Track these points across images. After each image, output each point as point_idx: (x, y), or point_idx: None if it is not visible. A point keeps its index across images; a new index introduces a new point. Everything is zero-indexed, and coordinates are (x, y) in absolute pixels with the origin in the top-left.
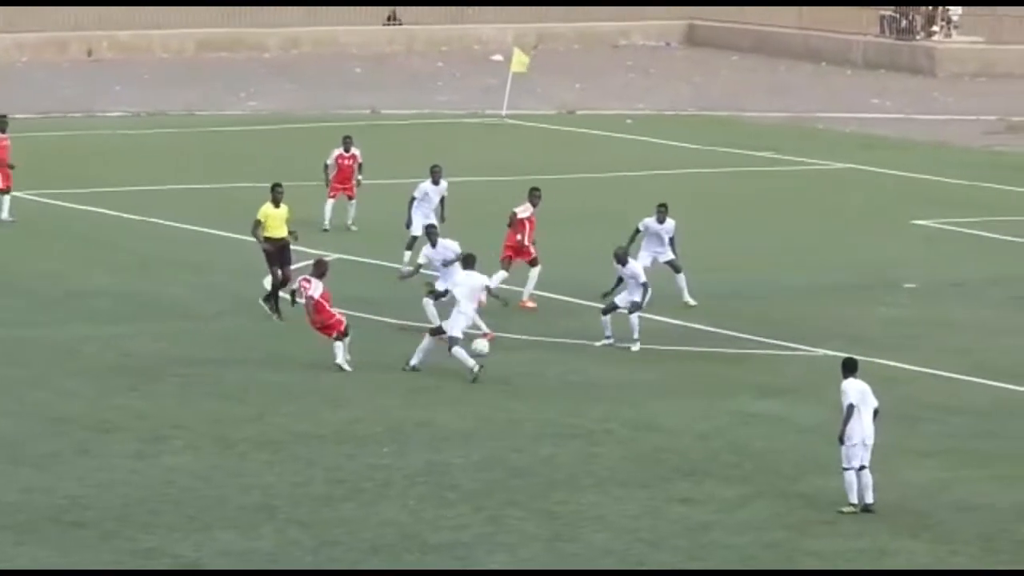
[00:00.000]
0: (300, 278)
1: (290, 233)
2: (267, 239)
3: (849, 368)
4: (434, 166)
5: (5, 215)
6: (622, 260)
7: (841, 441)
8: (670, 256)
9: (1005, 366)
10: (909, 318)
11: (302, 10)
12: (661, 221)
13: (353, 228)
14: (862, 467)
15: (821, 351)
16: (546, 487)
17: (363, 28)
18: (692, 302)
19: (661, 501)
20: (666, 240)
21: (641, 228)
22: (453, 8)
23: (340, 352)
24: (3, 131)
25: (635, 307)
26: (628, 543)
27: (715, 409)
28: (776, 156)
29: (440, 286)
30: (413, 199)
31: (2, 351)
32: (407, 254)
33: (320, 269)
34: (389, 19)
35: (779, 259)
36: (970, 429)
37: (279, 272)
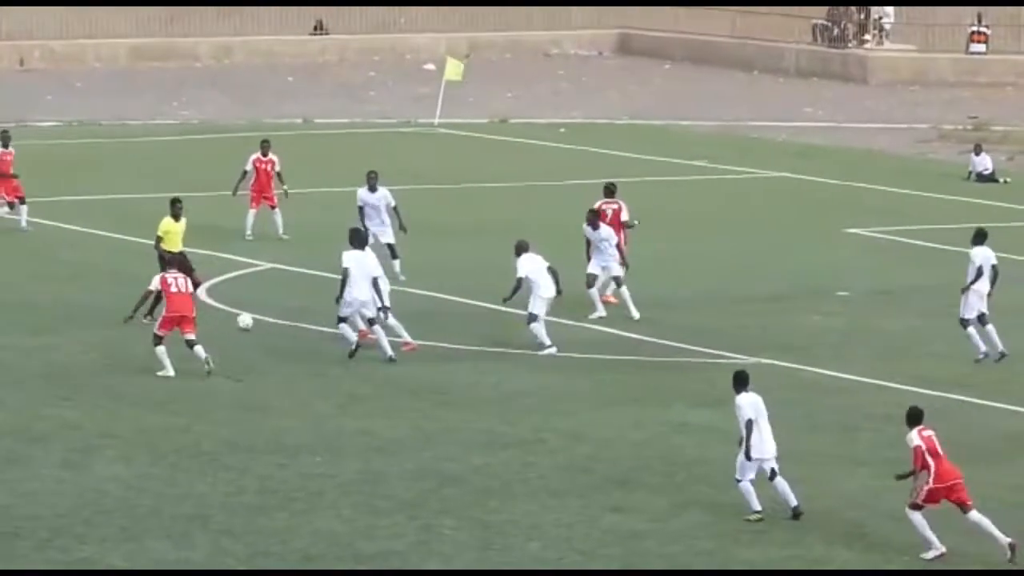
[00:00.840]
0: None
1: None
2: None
3: (741, 382)
4: (369, 172)
5: (24, 224)
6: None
7: (748, 457)
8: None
9: (939, 374)
10: (842, 326)
11: (234, 20)
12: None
13: (285, 237)
14: (773, 475)
15: (754, 360)
16: (479, 496)
17: (295, 38)
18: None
19: (595, 510)
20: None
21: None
22: (385, 17)
23: (202, 352)
24: (6, 145)
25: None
26: (562, 551)
27: (648, 418)
28: (709, 165)
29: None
30: (360, 208)
31: None
32: None
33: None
34: (316, 29)
35: (712, 268)
36: (903, 437)
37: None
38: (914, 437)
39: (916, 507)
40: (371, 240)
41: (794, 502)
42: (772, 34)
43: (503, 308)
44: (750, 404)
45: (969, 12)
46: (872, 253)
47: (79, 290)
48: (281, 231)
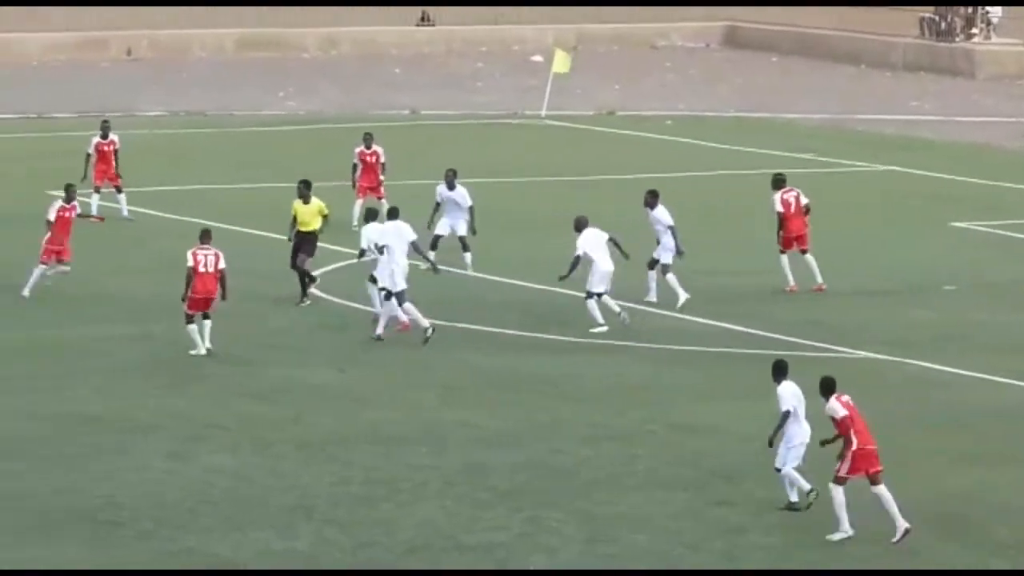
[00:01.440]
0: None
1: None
2: (297, 232)
3: (781, 371)
4: (448, 171)
5: (126, 212)
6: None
7: (770, 444)
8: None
9: None
10: (948, 321)
11: (340, 10)
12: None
13: None
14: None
15: (861, 353)
16: (586, 488)
17: (401, 29)
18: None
19: (700, 503)
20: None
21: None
22: (492, 9)
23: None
24: (106, 135)
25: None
26: (667, 544)
27: (755, 411)
28: (815, 158)
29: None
30: (437, 204)
31: (36, 352)
32: (430, 253)
33: (207, 237)
34: (422, 20)
35: (818, 261)
36: (1010, 432)
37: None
38: (837, 407)
39: (840, 481)
40: (446, 231)
41: (795, 498)
42: (880, 28)
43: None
44: (792, 394)
45: None
46: (978, 247)
47: (182, 280)
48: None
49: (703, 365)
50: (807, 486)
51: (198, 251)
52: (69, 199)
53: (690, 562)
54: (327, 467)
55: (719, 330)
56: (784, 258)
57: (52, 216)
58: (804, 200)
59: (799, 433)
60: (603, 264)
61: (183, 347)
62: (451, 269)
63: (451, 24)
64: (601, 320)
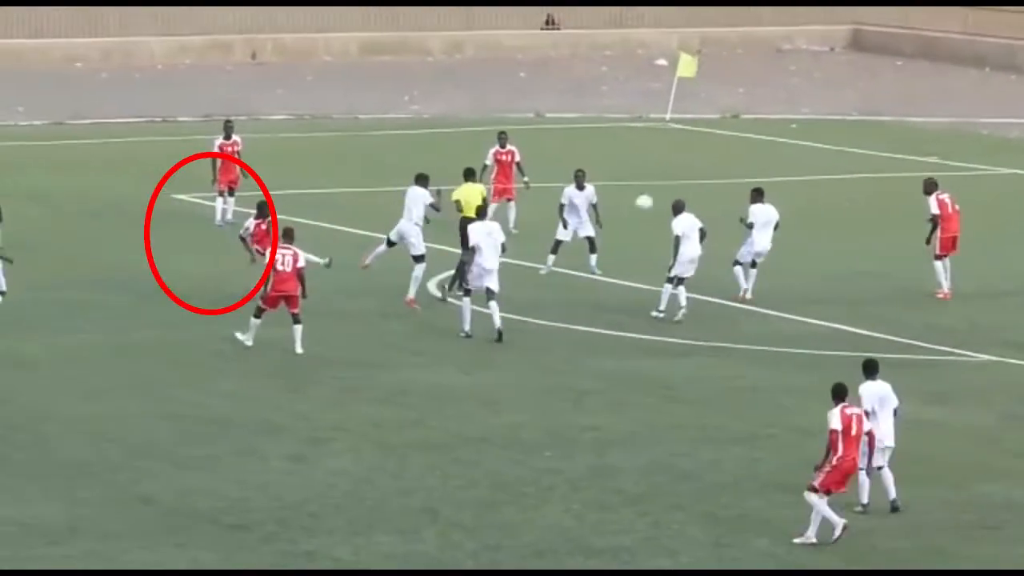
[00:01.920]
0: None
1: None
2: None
3: (868, 370)
4: (577, 171)
5: (230, 216)
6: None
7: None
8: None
9: None
10: None
11: (464, 13)
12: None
13: (514, 231)
14: (880, 467)
15: (986, 357)
16: (710, 491)
17: (525, 32)
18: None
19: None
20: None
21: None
22: (615, 12)
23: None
24: (229, 136)
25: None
26: (789, 547)
27: None
28: (940, 162)
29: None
30: (562, 205)
31: (162, 353)
32: (551, 257)
33: (289, 236)
34: (546, 23)
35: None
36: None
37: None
38: (832, 417)
39: (814, 491)
40: (571, 235)
41: (894, 495)
42: (1005, 30)
43: (728, 303)
44: (872, 394)
45: None
46: None
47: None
48: (512, 225)
49: (818, 367)
50: (865, 499)
51: (278, 249)
52: (261, 216)
53: (812, 564)
54: (451, 470)
55: (834, 332)
56: (939, 264)
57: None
58: (955, 205)
59: (878, 434)
60: (690, 249)
61: (306, 350)
62: (571, 272)
63: (576, 28)
64: (663, 308)
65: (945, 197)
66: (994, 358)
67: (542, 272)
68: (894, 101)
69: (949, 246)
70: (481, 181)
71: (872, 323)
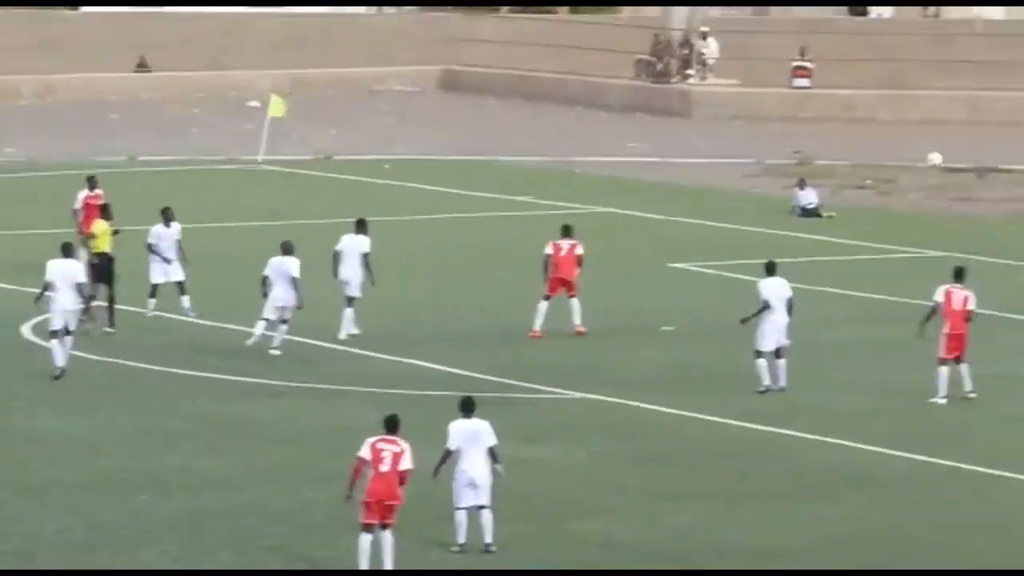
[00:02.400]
0: None
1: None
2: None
3: (465, 408)
4: (164, 208)
5: None
6: None
7: (435, 474)
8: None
9: (764, 410)
10: (667, 360)
11: (57, 58)
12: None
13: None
14: (481, 507)
15: (578, 394)
16: (305, 532)
17: (118, 75)
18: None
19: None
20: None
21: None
22: (208, 55)
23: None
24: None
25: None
26: None
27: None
28: (534, 201)
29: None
30: (150, 245)
31: None
32: (151, 302)
33: None
34: (139, 66)
35: (537, 302)
36: (727, 470)
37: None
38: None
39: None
40: (163, 277)
41: (489, 539)
42: (596, 70)
43: (327, 344)
44: (459, 431)
45: (792, 47)
46: (696, 288)
47: None
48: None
49: (422, 407)
50: (462, 539)
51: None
52: None
53: None
54: (48, 513)
55: (438, 373)
56: (543, 305)
57: None
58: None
59: (466, 473)
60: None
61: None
62: (169, 315)
63: (168, 70)
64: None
65: (563, 243)
66: (589, 395)
67: (148, 315)
68: (488, 140)
69: (556, 287)
70: (77, 226)
71: (470, 363)
